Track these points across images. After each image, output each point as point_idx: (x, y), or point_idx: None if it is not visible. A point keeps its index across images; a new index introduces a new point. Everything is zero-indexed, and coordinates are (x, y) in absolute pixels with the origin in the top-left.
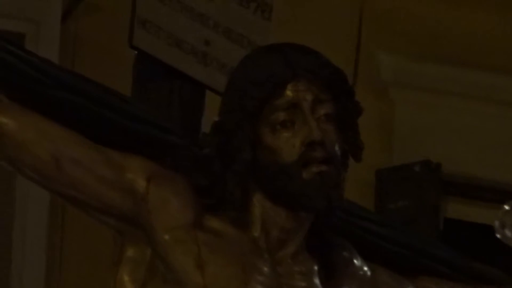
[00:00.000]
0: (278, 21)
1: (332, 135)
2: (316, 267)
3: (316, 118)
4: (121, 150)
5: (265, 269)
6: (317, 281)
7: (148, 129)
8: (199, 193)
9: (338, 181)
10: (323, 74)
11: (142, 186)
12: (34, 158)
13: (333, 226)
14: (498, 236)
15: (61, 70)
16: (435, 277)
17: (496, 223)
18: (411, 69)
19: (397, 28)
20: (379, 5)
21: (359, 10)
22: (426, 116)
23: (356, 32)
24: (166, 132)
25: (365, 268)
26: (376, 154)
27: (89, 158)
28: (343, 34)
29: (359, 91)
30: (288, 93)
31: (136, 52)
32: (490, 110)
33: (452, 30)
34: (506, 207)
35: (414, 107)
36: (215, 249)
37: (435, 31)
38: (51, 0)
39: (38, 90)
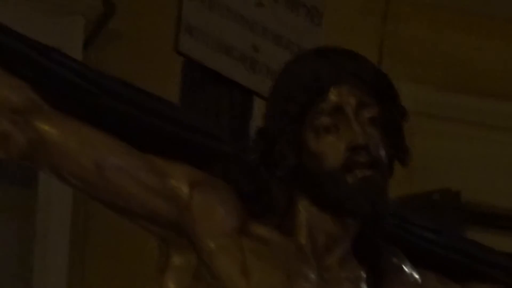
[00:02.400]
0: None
1: (377, 139)
2: (364, 274)
3: (361, 122)
4: (168, 158)
5: (312, 275)
6: (365, 287)
7: (196, 137)
8: (243, 200)
9: (383, 186)
10: (367, 77)
11: (185, 193)
12: (77, 166)
13: (383, 232)
14: None
15: (106, 77)
16: (489, 283)
17: None
18: (430, 99)
19: (417, 58)
20: (400, 35)
21: (380, 40)
22: (445, 144)
23: (376, 61)
24: (214, 139)
25: (416, 275)
26: (396, 182)
27: (133, 165)
28: None
29: None
30: (332, 97)
31: (184, 58)
32: (508, 139)
33: (472, 60)
34: None
35: (433, 136)
36: (260, 256)
37: (454, 61)
38: (73, 27)
39: (81, 97)
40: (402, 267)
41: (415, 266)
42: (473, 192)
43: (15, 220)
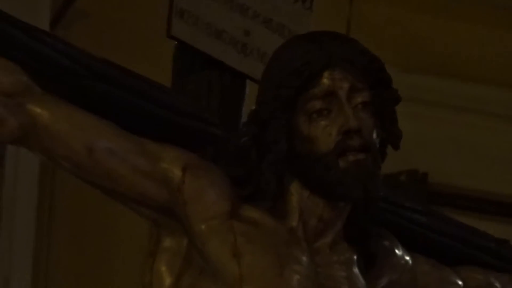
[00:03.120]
0: None
1: (369, 123)
2: (355, 257)
3: (353, 106)
4: (160, 141)
5: (303, 258)
6: (356, 270)
7: (187, 120)
8: (235, 183)
9: (376, 170)
10: (359, 62)
11: (177, 176)
12: (68, 149)
13: (374, 216)
14: None
15: (97, 60)
16: (480, 267)
17: None
18: (396, 80)
19: (385, 39)
20: (368, 18)
21: (346, 21)
22: (414, 126)
23: None
24: (205, 123)
25: (407, 258)
26: None
27: (124, 148)
28: None
29: None
30: (324, 81)
31: (175, 42)
32: (478, 122)
33: (437, 41)
34: None
35: (401, 118)
36: (251, 239)
37: (421, 42)
38: (39, 7)
39: (73, 80)
40: (393, 250)
41: (407, 249)
42: (440, 174)
43: None
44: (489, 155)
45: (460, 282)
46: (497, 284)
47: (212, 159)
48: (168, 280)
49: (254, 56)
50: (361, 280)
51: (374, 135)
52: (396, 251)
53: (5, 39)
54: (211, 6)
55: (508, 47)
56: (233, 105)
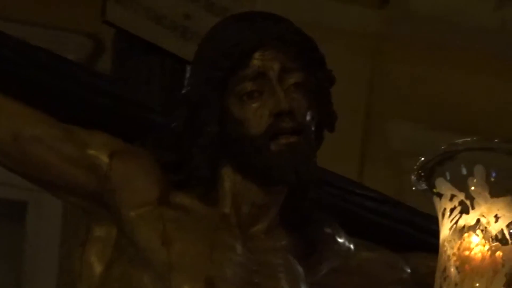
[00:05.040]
0: None
1: (302, 105)
2: (292, 243)
3: (285, 88)
4: (89, 128)
5: (236, 245)
6: (292, 256)
7: (127, 108)
8: (166, 168)
9: (310, 153)
10: (291, 42)
11: (105, 162)
12: None
13: (309, 200)
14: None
15: (27, 45)
16: (431, 252)
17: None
18: (421, 138)
19: (408, 97)
20: (390, 74)
21: (370, 77)
22: None
23: (366, 100)
24: (146, 109)
25: (349, 244)
26: None
27: (51, 135)
28: (353, 103)
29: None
30: (255, 62)
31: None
32: None
33: (463, 99)
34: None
35: None
36: (182, 226)
37: (446, 100)
38: None
39: (3, 68)
40: (335, 236)
41: (352, 234)
42: None
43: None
44: None
45: (408, 269)
46: None
47: (142, 145)
48: (98, 269)
49: (195, 40)
50: (298, 267)
51: (308, 117)
52: (337, 238)
53: None
54: None
55: None
56: (173, 90)
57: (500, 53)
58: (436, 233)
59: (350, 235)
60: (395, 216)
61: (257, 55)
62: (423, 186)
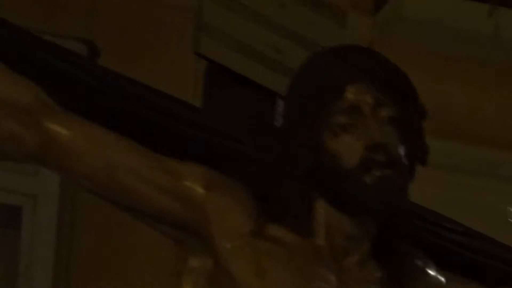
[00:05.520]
0: None
1: (395, 138)
2: (384, 275)
3: (378, 121)
4: (183, 160)
5: (330, 277)
6: None
7: (216, 139)
8: (260, 200)
9: (402, 186)
10: (384, 76)
11: (200, 194)
12: (87, 167)
13: (401, 233)
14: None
15: (124, 79)
16: None
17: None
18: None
19: None
20: None
21: None
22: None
23: None
24: (234, 141)
25: (440, 278)
26: None
27: (145, 166)
28: None
29: None
30: (348, 95)
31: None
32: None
33: (454, 105)
34: None
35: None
36: (276, 258)
37: (437, 105)
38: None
39: (94, 98)
40: (425, 269)
41: (442, 268)
42: None
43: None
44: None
45: None
46: None
47: (237, 177)
48: None
49: (286, 74)
50: None
51: (401, 151)
52: (429, 270)
53: (23, 56)
54: (241, 23)
55: None
56: (265, 122)
57: (492, 60)
58: None
59: (440, 268)
60: (486, 251)
61: (350, 88)
62: None
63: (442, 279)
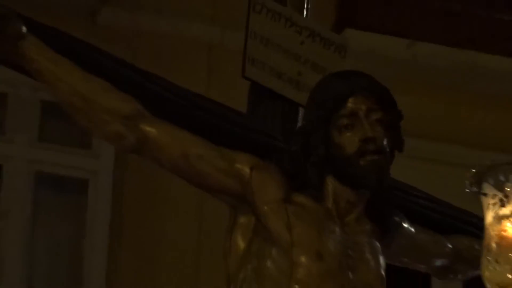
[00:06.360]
0: None
1: (381, 134)
2: (373, 228)
3: (370, 122)
4: (235, 149)
5: (336, 229)
6: (373, 237)
7: (258, 136)
8: (288, 178)
9: (386, 167)
10: (374, 90)
11: (247, 173)
12: (170, 156)
13: (387, 199)
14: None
15: (192, 94)
16: (467, 236)
17: (466, 183)
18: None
19: None
20: None
21: None
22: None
23: None
24: (270, 137)
25: (411, 229)
26: None
27: (209, 154)
28: None
29: None
30: (349, 105)
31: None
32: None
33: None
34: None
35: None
36: (299, 217)
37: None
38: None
39: (174, 108)
40: (401, 223)
41: (412, 222)
42: None
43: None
44: None
45: (450, 245)
46: (477, 247)
47: (273, 161)
48: (242, 246)
49: (305, 91)
50: (377, 244)
51: (385, 142)
52: (404, 224)
53: (124, 79)
54: (274, 55)
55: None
56: (290, 125)
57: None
58: (470, 223)
59: (411, 222)
60: (442, 211)
61: (350, 100)
62: (474, 189)
63: (412, 229)
